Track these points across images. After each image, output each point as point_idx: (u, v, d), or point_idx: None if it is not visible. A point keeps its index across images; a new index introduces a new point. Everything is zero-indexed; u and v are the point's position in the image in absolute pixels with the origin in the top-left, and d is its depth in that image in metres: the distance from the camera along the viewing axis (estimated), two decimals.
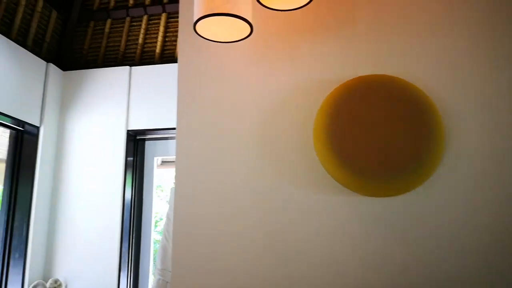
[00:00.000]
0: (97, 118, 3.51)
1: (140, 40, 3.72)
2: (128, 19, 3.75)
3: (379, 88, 1.15)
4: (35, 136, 3.33)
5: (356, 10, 1.29)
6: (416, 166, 1.08)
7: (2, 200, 3.20)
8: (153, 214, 3.54)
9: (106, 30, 3.78)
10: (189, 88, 1.34)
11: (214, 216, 1.23)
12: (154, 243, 3.57)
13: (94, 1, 3.77)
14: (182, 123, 1.32)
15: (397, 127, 1.10)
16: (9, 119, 3.09)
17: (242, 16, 1.06)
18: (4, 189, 3.21)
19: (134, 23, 3.76)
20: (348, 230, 1.15)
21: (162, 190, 4.65)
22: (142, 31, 3.72)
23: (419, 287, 1.09)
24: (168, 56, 3.68)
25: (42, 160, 3.31)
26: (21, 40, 3.29)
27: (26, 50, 3.25)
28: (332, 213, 1.17)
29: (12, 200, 3.18)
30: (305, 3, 1.13)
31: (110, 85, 3.56)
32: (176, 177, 1.29)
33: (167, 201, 4.60)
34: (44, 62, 3.46)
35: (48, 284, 3.13)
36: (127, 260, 3.31)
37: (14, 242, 3.13)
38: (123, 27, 3.77)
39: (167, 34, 3.71)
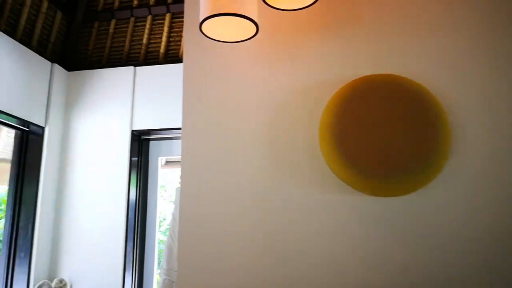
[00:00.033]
0: (101, 118, 3.52)
1: (145, 40, 3.72)
2: (132, 19, 3.76)
3: (384, 88, 1.14)
4: (40, 136, 3.34)
5: (358, 10, 1.28)
6: (423, 166, 1.07)
7: (8, 200, 3.21)
8: (158, 214, 3.55)
9: (111, 30, 3.79)
10: (194, 88, 1.35)
11: (219, 215, 1.23)
12: (158, 243, 3.58)
13: (99, 2, 3.79)
14: (188, 123, 1.32)
15: (402, 126, 1.10)
16: (14, 119, 3.11)
17: (248, 16, 1.06)
18: (9, 189, 3.22)
19: (139, 24, 3.77)
20: (352, 230, 1.15)
21: (165, 190, 4.65)
22: (146, 31, 3.73)
23: (420, 287, 1.08)
24: (173, 56, 3.68)
25: (47, 160, 3.32)
26: (26, 40, 3.30)
27: (31, 51, 3.27)
28: (337, 213, 1.16)
29: (18, 200, 3.20)
30: (310, 2, 1.13)
31: (114, 85, 3.57)
32: (181, 177, 1.29)
33: (170, 201, 4.60)
34: (49, 63, 3.48)
35: (53, 284, 3.14)
36: (131, 260, 3.31)
37: (20, 242, 3.14)
38: (127, 27, 3.77)
39: (171, 34, 3.72)
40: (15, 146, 3.30)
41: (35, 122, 3.26)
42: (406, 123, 1.10)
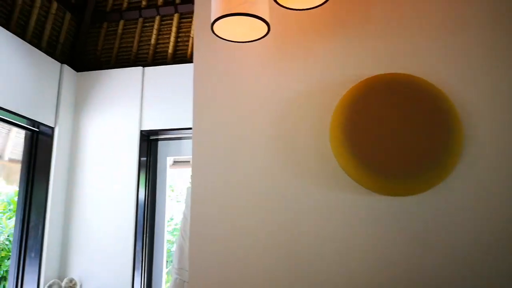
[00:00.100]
0: (110, 118, 3.54)
1: (153, 41, 3.74)
2: (140, 20, 3.78)
3: (397, 87, 1.14)
4: (50, 137, 3.36)
5: (368, 10, 1.28)
6: (435, 166, 1.07)
7: (18, 200, 3.23)
8: (166, 214, 3.56)
9: (119, 31, 3.81)
10: (204, 88, 1.35)
11: (230, 215, 1.23)
12: (166, 242, 3.59)
13: (107, 3, 3.80)
14: (198, 123, 1.32)
15: (415, 125, 1.10)
16: (24, 120, 3.13)
17: (260, 15, 1.06)
18: (19, 190, 3.24)
19: (147, 24, 3.79)
20: (363, 229, 1.14)
21: (172, 190, 4.66)
22: (154, 31, 3.74)
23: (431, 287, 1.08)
24: (181, 56, 3.69)
25: (57, 161, 3.34)
26: (35, 41, 3.33)
27: (40, 52, 3.29)
28: (348, 212, 1.16)
29: (28, 200, 3.22)
30: (321, 2, 1.13)
31: (123, 86, 3.59)
32: (192, 176, 1.29)
33: (177, 201, 4.62)
34: (58, 63, 3.50)
35: (63, 283, 3.16)
36: (141, 260, 3.33)
37: (30, 242, 3.17)
38: (135, 28, 3.79)
39: (180, 35, 3.73)
40: (25, 146, 3.33)
41: (45, 123, 3.29)
42: (418, 123, 1.10)
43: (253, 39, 1.21)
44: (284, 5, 1.15)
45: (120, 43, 3.81)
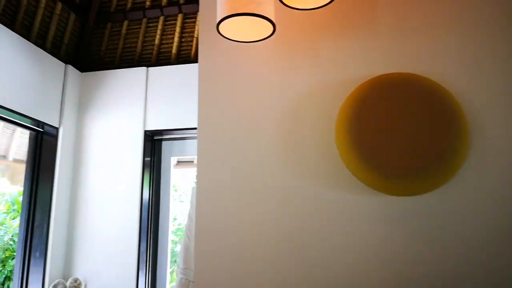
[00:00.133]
0: (115, 119, 3.55)
1: (157, 41, 3.74)
2: (144, 20, 3.78)
3: (402, 87, 1.14)
4: (54, 137, 3.37)
5: (374, 9, 1.28)
6: (440, 165, 1.06)
7: (23, 200, 3.25)
8: (170, 214, 3.57)
9: (123, 31, 3.82)
10: (210, 88, 1.35)
11: (235, 214, 1.23)
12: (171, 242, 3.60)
13: (111, 3, 3.81)
14: (203, 123, 1.33)
15: (421, 125, 1.10)
16: (29, 120, 3.14)
17: (266, 16, 1.06)
18: (24, 189, 3.26)
19: (151, 24, 3.79)
20: (370, 229, 1.14)
21: (175, 190, 4.67)
22: (158, 32, 3.75)
23: (437, 286, 1.08)
24: (184, 57, 3.70)
25: (61, 161, 3.35)
26: (40, 42, 3.34)
27: (45, 52, 3.30)
28: (354, 213, 1.16)
29: (33, 200, 3.23)
30: (326, 2, 1.13)
31: (127, 86, 3.60)
32: (197, 176, 1.30)
33: (180, 201, 4.62)
34: (62, 64, 3.51)
35: (68, 283, 3.17)
36: (145, 260, 3.33)
37: (35, 242, 3.18)
38: (139, 28, 3.80)
39: (183, 35, 3.73)
40: (29, 146, 3.34)
41: (49, 123, 3.30)
42: (424, 122, 1.09)
43: (258, 39, 1.21)
44: (290, 5, 1.15)
45: (124, 44, 3.82)
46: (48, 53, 3.34)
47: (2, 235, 4.14)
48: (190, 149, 3.70)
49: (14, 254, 3.91)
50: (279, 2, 1.13)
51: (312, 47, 1.29)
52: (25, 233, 3.18)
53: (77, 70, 3.66)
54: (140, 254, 3.28)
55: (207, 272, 1.22)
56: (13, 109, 2.93)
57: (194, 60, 3.61)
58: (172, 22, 3.75)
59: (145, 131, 3.48)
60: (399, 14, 1.25)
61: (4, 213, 4.32)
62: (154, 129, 3.50)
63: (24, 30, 3.18)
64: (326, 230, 1.17)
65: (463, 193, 1.12)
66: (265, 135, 1.27)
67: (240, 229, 1.22)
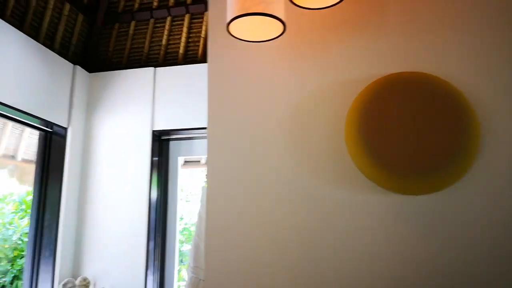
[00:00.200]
0: (123, 119, 3.57)
1: (164, 41, 3.76)
2: (152, 20, 3.80)
3: (412, 85, 1.14)
4: (63, 137, 3.39)
5: (383, 8, 1.27)
6: (450, 164, 1.06)
7: (32, 200, 3.27)
8: (178, 214, 3.58)
9: (131, 32, 3.83)
10: (219, 88, 1.35)
11: (245, 213, 1.24)
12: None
13: (119, 4, 3.83)
14: (213, 123, 1.33)
15: (431, 124, 1.09)
16: (37, 120, 3.17)
17: (276, 15, 1.06)
18: (34, 190, 3.28)
19: (158, 25, 3.81)
20: (379, 228, 1.14)
21: (182, 190, 4.69)
22: (165, 32, 3.76)
23: (446, 285, 1.08)
24: (192, 57, 3.71)
25: (70, 161, 3.37)
26: (48, 43, 3.36)
27: (53, 53, 3.33)
28: (365, 212, 1.16)
29: (42, 200, 3.26)
30: (336, 1, 1.13)
31: (135, 86, 3.61)
32: (207, 175, 1.30)
33: (187, 201, 4.63)
34: (71, 65, 3.53)
35: (77, 282, 3.19)
36: (153, 259, 3.35)
37: (44, 241, 3.20)
38: (147, 28, 3.81)
39: (191, 35, 3.74)
40: (39, 147, 3.37)
41: (58, 123, 3.32)
42: (434, 122, 1.09)
43: (268, 39, 1.21)
44: (300, 5, 1.15)
45: (131, 44, 3.84)
46: (56, 53, 3.37)
47: (10, 235, 4.17)
48: (197, 149, 3.71)
49: (23, 253, 3.94)
50: (288, 1, 1.13)
51: (322, 47, 1.29)
52: (34, 233, 3.20)
53: (85, 71, 3.68)
54: (149, 253, 3.30)
55: (218, 270, 1.22)
56: (22, 109, 2.95)
57: (201, 60, 3.62)
58: (179, 22, 3.76)
59: (153, 131, 3.50)
60: (409, 13, 1.25)
61: (12, 212, 4.35)
62: (161, 129, 3.51)
63: (32, 31, 3.20)
64: (335, 228, 1.17)
65: (473, 193, 1.11)
66: (275, 135, 1.27)
67: (250, 228, 1.22)
